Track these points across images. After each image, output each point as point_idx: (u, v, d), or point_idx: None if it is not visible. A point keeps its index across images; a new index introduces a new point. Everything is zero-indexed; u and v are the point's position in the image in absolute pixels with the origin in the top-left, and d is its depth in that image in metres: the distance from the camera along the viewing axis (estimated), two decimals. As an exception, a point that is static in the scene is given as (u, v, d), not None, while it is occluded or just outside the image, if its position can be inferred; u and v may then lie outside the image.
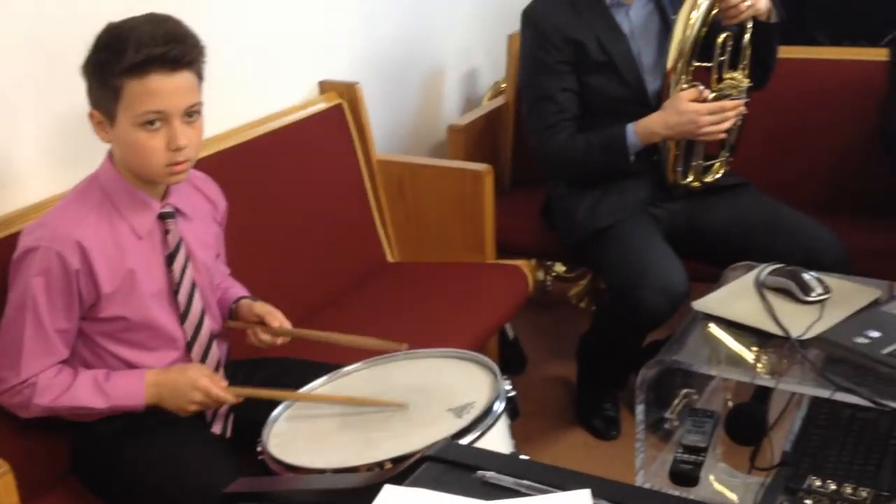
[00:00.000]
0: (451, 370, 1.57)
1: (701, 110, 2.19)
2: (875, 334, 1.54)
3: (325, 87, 2.58)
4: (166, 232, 1.64)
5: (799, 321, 1.64)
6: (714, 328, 1.73)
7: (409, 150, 2.97)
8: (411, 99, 3.01)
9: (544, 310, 3.18)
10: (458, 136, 2.80)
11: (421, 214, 2.61)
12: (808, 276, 1.75)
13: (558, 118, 2.34)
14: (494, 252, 2.58)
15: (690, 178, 2.36)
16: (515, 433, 1.48)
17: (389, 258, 2.63)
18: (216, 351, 1.71)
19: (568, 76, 2.34)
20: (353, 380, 1.61)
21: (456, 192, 2.54)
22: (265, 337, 1.72)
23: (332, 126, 2.52)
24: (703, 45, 2.22)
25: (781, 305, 1.71)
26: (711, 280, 1.96)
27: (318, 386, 1.59)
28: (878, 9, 2.73)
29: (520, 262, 2.53)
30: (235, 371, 1.76)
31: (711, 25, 2.22)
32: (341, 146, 2.54)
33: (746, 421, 1.64)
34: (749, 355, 1.67)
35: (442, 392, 1.49)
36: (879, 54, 2.61)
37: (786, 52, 2.44)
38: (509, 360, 2.78)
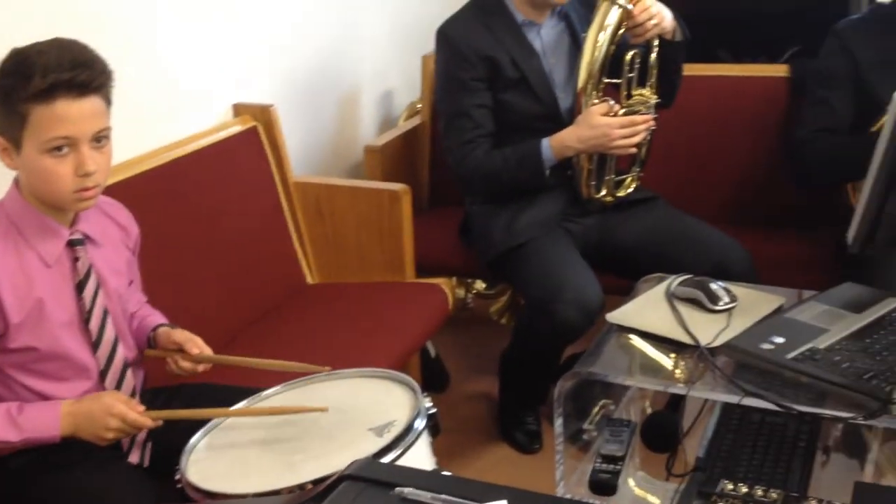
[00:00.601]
0: (371, 390, 1.57)
1: (613, 124, 2.24)
2: (779, 340, 1.59)
3: (239, 109, 2.57)
4: (75, 259, 1.61)
5: (708, 330, 1.68)
6: (628, 339, 1.77)
7: (326, 171, 2.97)
8: (328, 120, 3.01)
9: (466, 327, 3.21)
10: (374, 157, 2.81)
11: (339, 235, 2.61)
12: (715, 286, 1.80)
13: (475, 134, 2.37)
14: (414, 271, 2.59)
15: (603, 193, 2.41)
16: (439, 450, 1.49)
17: (309, 280, 2.62)
18: (131, 379, 1.68)
19: (483, 93, 2.38)
20: (272, 403, 1.60)
21: (374, 213, 2.55)
22: (185, 364, 1.69)
23: (248, 149, 2.51)
24: (611, 63, 2.28)
25: (691, 315, 1.76)
26: (626, 292, 2.00)
27: (238, 406, 1.58)
28: (777, 26, 2.83)
29: (439, 281, 2.54)
30: (153, 399, 1.73)
31: (619, 44, 2.28)
32: (257, 169, 2.53)
33: (661, 429, 1.68)
34: (662, 364, 1.70)
35: (363, 412, 1.49)
36: (780, 70, 2.71)
37: (691, 69, 2.52)
38: (431, 378, 2.79)
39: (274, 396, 1.61)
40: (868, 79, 2.24)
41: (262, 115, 2.55)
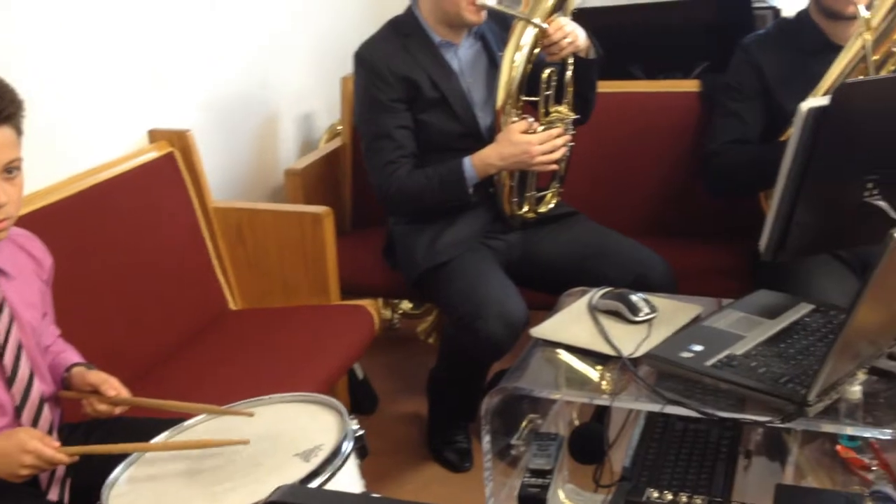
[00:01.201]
0: (297, 414, 1.55)
1: (532, 141, 2.27)
2: (698, 348, 1.62)
3: (154, 135, 2.53)
4: (-13, 293, 1.56)
5: (630, 341, 1.71)
6: (553, 353, 1.78)
7: (247, 195, 2.94)
8: (247, 144, 2.98)
9: (393, 347, 3.20)
10: (295, 180, 2.80)
11: (262, 260, 2.58)
12: (635, 298, 1.83)
13: (397, 155, 2.38)
14: (339, 294, 2.58)
15: (525, 209, 2.44)
16: (369, 473, 1.48)
17: (232, 306, 2.59)
18: (48, 414, 1.63)
19: (403, 113, 2.39)
20: (196, 433, 1.57)
21: (296, 236, 2.53)
22: (102, 407, 1.64)
23: (164, 175, 2.47)
24: (529, 81, 2.31)
25: (613, 327, 1.79)
26: (550, 307, 2.02)
27: (161, 440, 1.54)
28: (688, 43, 2.90)
29: (365, 302, 2.54)
30: (71, 433, 1.68)
31: (536, 62, 2.32)
32: (175, 195, 2.49)
33: (587, 441, 1.70)
34: (586, 376, 1.72)
35: (289, 437, 1.47)
36: (692, 85, 2.78)
37: (606, 86, 2.57)
38: (360, 400, 2.78)
39: (198, 426, 1.58)
40: (775, 91, 2.32)
41: (179, 140, 2.51)
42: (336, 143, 3.08)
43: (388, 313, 3.31)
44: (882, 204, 1.60)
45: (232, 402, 1.61)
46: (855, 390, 1.52)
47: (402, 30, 2.42)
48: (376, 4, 3.42)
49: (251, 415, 1.56)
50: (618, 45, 2.60)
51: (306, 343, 2.33)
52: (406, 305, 3.32)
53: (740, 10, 2.84)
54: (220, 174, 2.77)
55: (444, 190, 2.34)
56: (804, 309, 1.76)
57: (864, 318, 1.38)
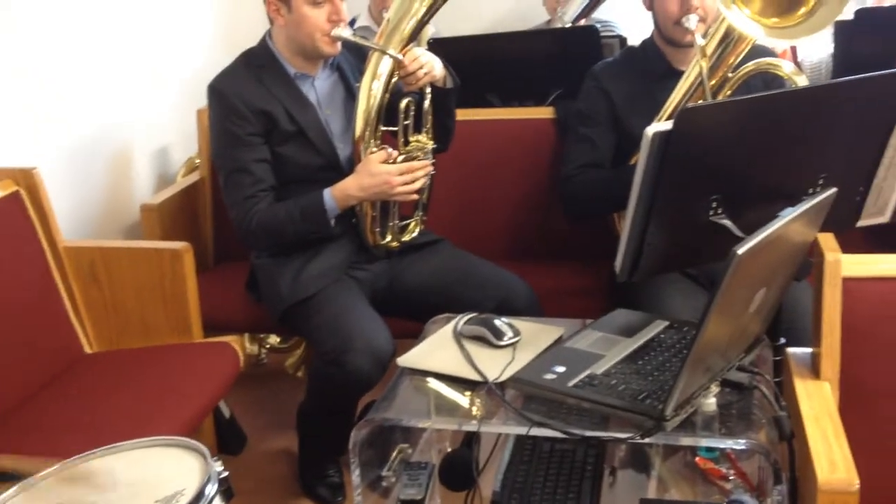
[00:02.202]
0: (157, 459, 1.49)
1: (392, 171, 2.28)
2: (561, 369, 1.65)
3: (-2, 174, 2.41)
4: None
5: (495, 365, 1.72)
6: (420, 381, 1.78)
7: (101, 233, 2.84)
8: (100, 180, 2.88)
9: (261, 383, 3.14)
10: (152, 215, 2.72)
11: (119, 299, 2.48)
12: (499, 323, 1.85)
13: (256, 189, 2.34)
14: (201, 331, 2.51)
15: (389, 239, 2.44)
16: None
17: (87, 349, 2.48)
18: None
19: (260, 147, 2.36)
20: (49, 484, 1.49)
21: (155, 274, 2.45)
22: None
23: (9, 215, 2.34)
24: (387, 111, 2.33)
25: (478, 352, 1.80)
26: (416, 335, 2.02)
27: (8, 498, 1.46)
28: (541, 71, 2.98)
29: (229, 339, 2.47)
30: None
31: (394, 92, 2.33)
32: (21, 235, 2.37)
33: (457, 468, 1.70)
34: (455, 403, 1.72)
35: (150, 484, 1.42)
36: (546, 112, 2.86)
37: (464, 114, 2.61)
38: (227, 440, 2.70)
39: (51, 477, 1.50)
40: (624, 116, 2.40)
41: (25, 178, 2.40)
42: (194, 176, 3.01)
43: (254, 348, 3.24)
44: (726, 222, 1.67)
45: (89, 449, 1.54)
46: (709, 403, 1.57)
47: (257, 62, 2.39)
48: (230, 36, 3.38)
49: None
50: (474, 73, 2.65)
51: (168, 384, 2.25)
52: (273, 339, 3.27)
53: (588, 39, 2.95)
54: (72, 212, 2.67)
55: (305, 222, 2.32)
56: (659, 326, 1.82)
57: (713, 332, 1.44)
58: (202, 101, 2.54)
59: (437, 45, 2.84)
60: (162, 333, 2.48)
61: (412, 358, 1.83)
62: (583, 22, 3.55)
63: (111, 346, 2.51)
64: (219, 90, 2.37)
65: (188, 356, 2.40)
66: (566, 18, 3.52)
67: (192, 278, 2.46)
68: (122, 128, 3.00)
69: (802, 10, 2.06)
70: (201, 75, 2.51)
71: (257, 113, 2.33)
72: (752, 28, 2.07)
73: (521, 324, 1.90)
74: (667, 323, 1.84)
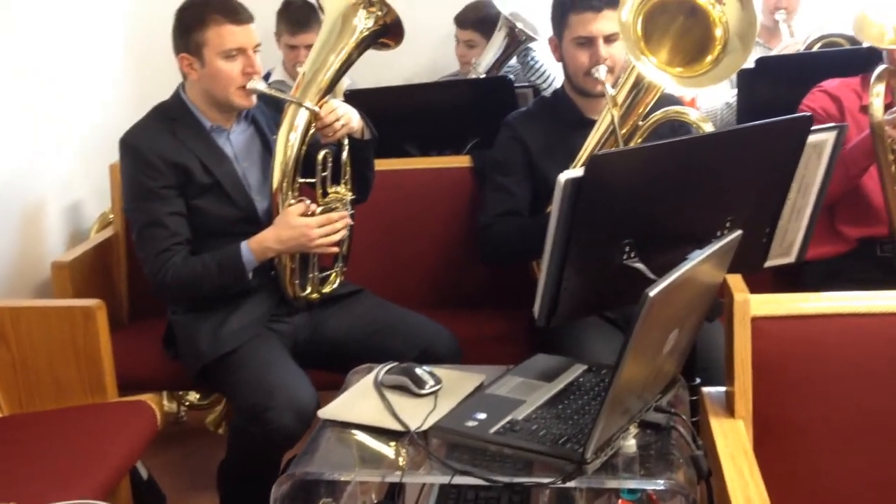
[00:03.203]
0: (69, 525, 1.45)
1: (311, 223, 2.27)
2: (482, 416, 1.65)
3: None
4: None
5: (417, 414, 1.72)
6: (343, 433, 1.77)
7: (10, 292, 2.75)
8: (9, 237, 2.80)
9: (180, 442, 3.07)
10: (63, 273, 2.65)
11: (29, 360, 2.40)
12: (420, 371, 1.85)
13: (170, 243, 2.31)
14: (116, 391, 2.44)
15: (309, 291, 2.43)
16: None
17: (-3, 413, 2.39)
18: None
19: (175, 200, 2.33)
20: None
21: (66, 332, 2.38)
22: None
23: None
24: (305, 162, 2.33)
25: (400, 401, 1.79)
26: (339, 386, 2.00)
27: None
28: (458, 120, 3.02)
29: (145, 397, 2.41)
30: None
31: (311, 143, 2.34)
32: (-74, 296, 2.29)
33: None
34: (378, 454, 1.71)
35: (60, 551, 1.37)
36: (463, 161, 2.89)
37: (383, 164, 2.63)
38: (145, 501, 2.62)
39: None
40: (539, 164, 2.44)
41: (-71, 237, 2.33)
42: (108, 232, 2.96)
43: (173, 406, 3.17)
44: (639, 265, 1.71)
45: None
46: (629, 444, 1.59)
47: (170, 115, 2.38)
48: (143, 90, 3.35)
49: None
50: (391, 124, 2.68)
51: (82, 446, 2.18)
52: (193, 397, 3.20)
53: (503, 89, 3.00)
54: (-21, 271, 2.59)
55: (222, 276, 2.29)
56: (578, 370, 1.84)
57: (630, 374, 1.46)
58: (115, 155, 2.50)
59: (353, 97, 2.88)
60: (75, 394, 2.41)
61: (333, 409, 1.81)
62: (503, 70, 3.61)
63: (22, 408, 2.42)
64: (131, 144, 2.34)
65: (103, 417, 2.33)
66: (480, 69, 3.58)
67: (106, 336, 2.40)
68: (33, 183, 2.93)
69: (709, 58, 2.15)
70: (113, 129, 2.48)
71: (171, 166, 2.31)
72: (661, 77, 2.14)
73: (443, 371, 1.90)
74: (585, 366, 1.86)
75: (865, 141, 2.32)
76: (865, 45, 2.72)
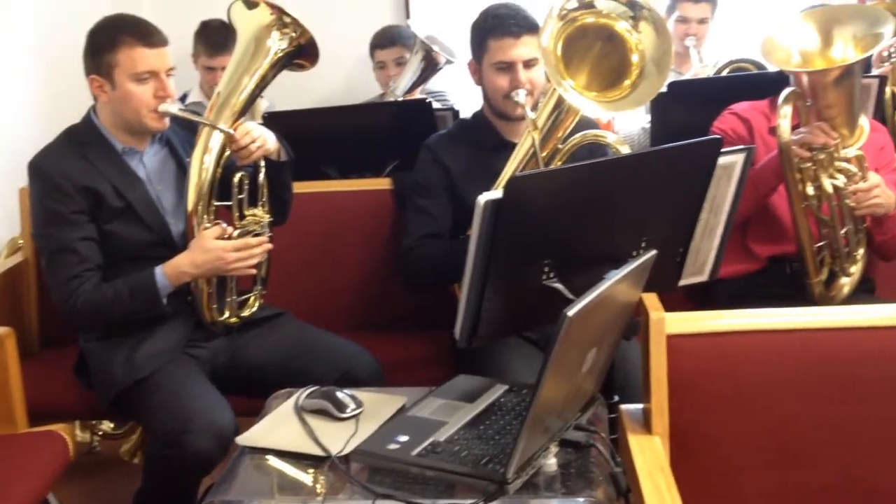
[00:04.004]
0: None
1: (227, 247, 2.24)
2: (404, 438, 1.65)
3: None
4: None
5: (338, 438, 1.71)
6: (262, 460, 1.74)
7: (-88, 321, 2.64)
8: (-90, 265, 2.70)
9: (94, 472, 2.99)
10: (-31, 300, 2.57)
11: (-67, 391, 2.31)
12: (341, 395, 1.84)
13: (81, 269, 2.25)
14: (26, 421, 2.36)
15: (227, 315, 2.39)
16: None
17: None
18: None
19: (86, 225, 2.27)
20: None
21: (-28, 362, 2.30)
22: None
23: None
24: (221, 185, 2.30)
25: (321, 426, 1.78)
26: (259, 412, 1.98)
27: None
28: (377, 143, 3.02)
29: (57, 427, 2.33)
30: None
31: (227, 166, 2.31)
32: None
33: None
34: (299, 480, 1.69)
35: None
36: (384, 183, 2.88)
37: (302, 187, 2.61)
38: (57, 536, 2.54)
39: None
40: (460, 186, 2.45)
41: None
42: (17, 258, 2.86)
43: (86, 436, 3.09)
44: (558, 285, 1.73)
45: None
46: (550, 463, 1.61)
47: (81, 139, 2.32)
48: (52, 113, 3.26)
49: None
50: (310, 146, 2.67)
51: (-11, 480, 2.10)
52: (107, 426, 3.12)
53: (422, 112, 3.01)
54: None
55: (135, 302, 2.24)
56: (499, 390, 1.85)
57: (550, 393, 1.47)
58: (24, 180, 2.43)
59: (271, 119, 2.86)
60: (-17, 425, 2.32)
61: (252, 436, 1.79)
62: (416, 94, 3.63)
63: (-75, 442, 2.33)
64: (41, 168, 2.28)
65: (12, 448, 2.25)
66: (398, 92, 3.59)
67: (16, 364, 2.32)
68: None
69: (626, 83, 2.19)
70: (22, 153, 2.40)
71: (82, 190, 2.25)
72: (581, 101, 2.18)
73: (364, 395, 1.89)
74: (506, 387, 1.87)
75: (774, 161, 2.39)
76: (773, 69, 2.83)
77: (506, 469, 1.49)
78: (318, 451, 1.69)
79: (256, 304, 2.45)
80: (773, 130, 2.47)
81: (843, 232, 2.43)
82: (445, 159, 2.49)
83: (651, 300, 1.74)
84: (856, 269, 2.50)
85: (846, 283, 2.50)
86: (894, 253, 2.55)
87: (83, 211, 2.26)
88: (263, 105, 3.43)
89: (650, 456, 1.64)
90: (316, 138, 2.88)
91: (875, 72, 3.04)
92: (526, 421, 1.45)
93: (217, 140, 2.26)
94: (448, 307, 2.42)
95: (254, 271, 2.35)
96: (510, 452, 1.50)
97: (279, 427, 1.81)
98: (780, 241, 2.53)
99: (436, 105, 3.17)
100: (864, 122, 2.44)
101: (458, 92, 3.92)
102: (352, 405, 1.82)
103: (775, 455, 1.73)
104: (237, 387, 2.37)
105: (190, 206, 2.26)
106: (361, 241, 2.84)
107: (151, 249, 2.30)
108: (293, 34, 2.33)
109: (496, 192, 1.66)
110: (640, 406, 1.78)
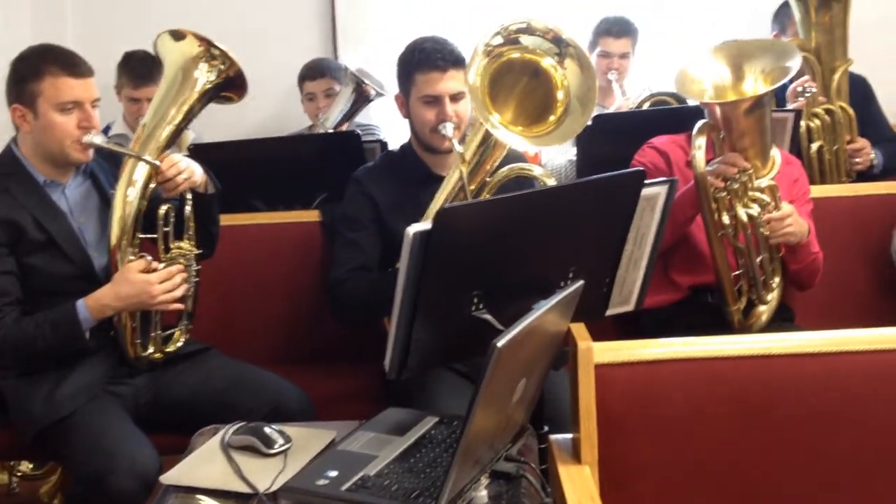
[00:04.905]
0: None
1: (152, 280, 2.21)
2: (333, 473, 1.63)
3: None
4: None
5: (266, 475, 1.69)
6: (187, 499, 1.70)
7: None
8: None
9: (12, 515, 2.88)
10: None
11: None
12: (269, 430, 1.82)
13: (0, 303, 2.20)
14: (-61, 463, 2.28)
15: (151, 350, 2.35)
16: None
17: None
18: None
19: (5, 258, 2.22)
20: None
21: None
22: None
23: None
24: (146, 217, 2.27)
25: (248, 462, 1.75)
26: (184, 449, 1.94)
27: None
28: (306, 175, 3.00)
29: (-27, 468, 2.26)
30: None
31: (152, 198, 2.28)
32: None
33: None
34: (223, 520, 1.66)
35: None
36: (312, 216, 2.87)
37: (230, 219, 2.59)
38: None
39: None
40: (389, 219, 2.44)
41: None
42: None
43: (3, 477, 2.99)
44: (487, 316, 1.74)
45: None
46: (481, 495, 1.60)
47: (1, 170, 2.27)
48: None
49: None
50: (238, 178, 2.65)
51: None
52: (25, 466, 3.02)
53: (350, 144, 3.01)
54: None
55: (56, 337, 2.19)
56: (430, 422, 1.84)
57: (480, 424, 1.47)
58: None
59: (198, 151, 2.83)
60: None
61: (177, 474, 1.75)
62: (345, 126, 3.63)
63: None
64: (-43, 201, 2.22)
65: (-77, 492, 2.17)
66: (328, 124, 3.59)
67: (-72, 404, 2.24)
68: None
69: (551, 118, 2.22)
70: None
71: (1, 223, 2.20)
72: (508, 136, 2.20)
73: (293, 430, 1.87)
74: (437, 419, 1.87)
75: (691, 191, 2.45)
76: (692, 102, 2.90)
77: (437, 502, 1.48)
78: (245, 489, 1.67)
79: (182, 339, 2.41)
80: (690, 163, 2.53)
81: (758, 261, 2.49)
82: (373, 192, 2.49)
83: (579, 330, 1.76)
84: (772, 297, 2.57)
85: (764, 311, 2.57)
86: (809, 282, 2.63)
87: (2, 244, 2.21)
88: (190, 137, 3.40)
89: (580, 486, 1.64)
90: (244, 170, 2.86)
91: (790, 106, 3.15)
92: (456, 453, 1.44)
93: (142, 172, 2.23)
94: (378, 339, 2.41)
95: (180, 305, 2.31)
96: (441, 485, 1.49)
97: (205, 464, 1.77)
98: (700, 271, 2.59)
99: (364, 137, 3.17)
100: (776, 153, 2.52)
101: (389, 125, 3.93)
102: (280, 440, 1.80)
103: (701, 482, 1.76)
104: (162, 424, 2.32)
105: (113, 238, 2.22)
106: (290, 273, 2.82)
107: (73, 283, 2.25)
108: (221, 66, 2.32)
109: (425, 224, 1.66)
110: (569, 436, 1.80)
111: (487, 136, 2.27)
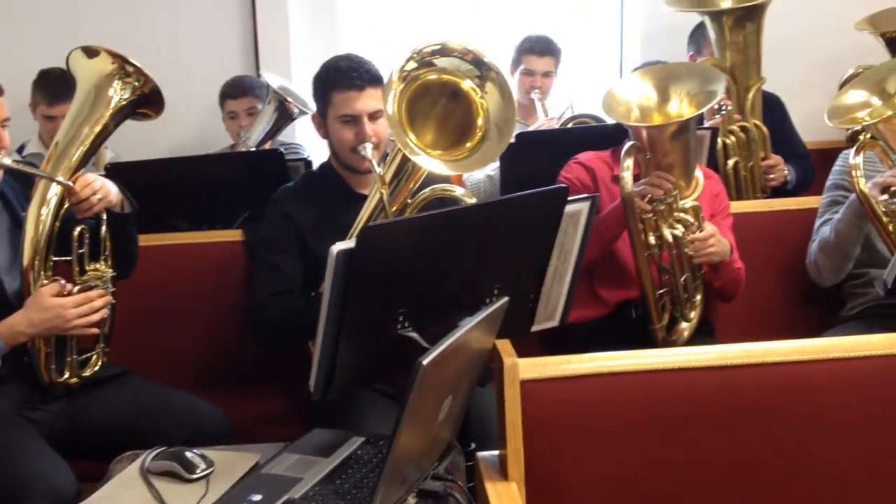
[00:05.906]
0: None
1: (66, 304, 2.14)
2: (257, 497, 1.61)
3: None
4: None
5: (187, 501, 1.65)
6: (106, 528, 1.66)
7: None
8: None
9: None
10: None
11: None
12: (191, 455, 1.78)
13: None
14: None
15: (67, 376, 2.27)
16: None
17: None
18: None
19: None
20: None
21: None
22: None
23: None
24: (60, 239, 2.20)
25: (169, 489, 1.71)
26: (102, 476, 1.88)
27: None
28: (229, 195, 2.96)
29: None
30: None
31: (66, 219, 2.22)
32: None
33: None
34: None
35: None
36: (235, 235, 2.83)
37: (148, 239, 2.54)
38: None
39: None
40: (311, 240, 2.39)
41: None
42: None
43: (-90, 510, 2.84)
44: (413, 334, 1.73)
45: None
46: (408, 515, 1.59)
47: None
48: None
49: None
50: (157, 197, 2.60)
51: None
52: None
53: (274, 162, 2.98)
54: None
55: (-34, 364, 2.11)
56: (356, 443, 1.83)
57: (406, 443, 1.46)
58: None
59: (115, 170, 2.76)
60: None
61: (95, 502, 1.70)
62: (268, 145, 3.59)
63: None
64: None
65: None
66: (250, 143, 3.54)
67: None
68: None
69: (468, 144, 2.22)
70: None
71: None
72: (426, 161, 2.17)
73: (215, 454, 1.83)
74: (363, 439, 1.85)
75: (617, 209, 2.49)
76: (611, 122, 2.95)
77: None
78: (165, 516, 1.62)
79: (99, 363, 2.34)
80: (615, 179, 2.57)
81: (682, 279, 2.54)
82: (294, 213, 2.44)
83: (505, 346, 1.76)
84: (694, 314, 2.62)
85: (686, 328, 2.62)
86: (732, 295, 2.70)
87: None
88: (108, 155, 3.32)
89: (507, 502, 1.64)
90: (164, 189, 2.81)
91: (707, 123, 3.22)
92: (383, 473, 1.43)
93: (55, 192, 2.17)
94: (302, 360, 2.39)
95: (95, 330, 2.25)
96: (367, 506, 1.47)
97: (124, 492, 1.73)
98: (625, 286, 2.63)
99: (288, 156, 3.14)
100: (699, 173, 2.58)
101: (313, 143, 3.89)
102: (202, 465, 1.76)
103: (628, 495, 1.77)
104: (80, 450, 2.25)
105: (25, 261, 2.15)
106: (211, 293, 2.78)
107: (-17, 309, 2.17)
108: (136, 83, 2.27)
109: (349, 242, 1.65)
110: (496, 452, 1.79)
111: (407, 160, 2.25)
